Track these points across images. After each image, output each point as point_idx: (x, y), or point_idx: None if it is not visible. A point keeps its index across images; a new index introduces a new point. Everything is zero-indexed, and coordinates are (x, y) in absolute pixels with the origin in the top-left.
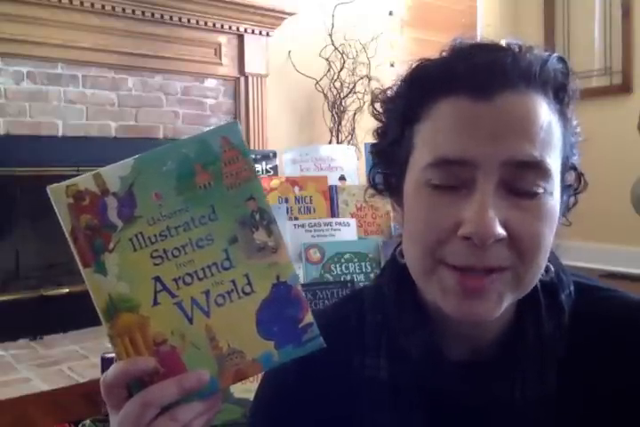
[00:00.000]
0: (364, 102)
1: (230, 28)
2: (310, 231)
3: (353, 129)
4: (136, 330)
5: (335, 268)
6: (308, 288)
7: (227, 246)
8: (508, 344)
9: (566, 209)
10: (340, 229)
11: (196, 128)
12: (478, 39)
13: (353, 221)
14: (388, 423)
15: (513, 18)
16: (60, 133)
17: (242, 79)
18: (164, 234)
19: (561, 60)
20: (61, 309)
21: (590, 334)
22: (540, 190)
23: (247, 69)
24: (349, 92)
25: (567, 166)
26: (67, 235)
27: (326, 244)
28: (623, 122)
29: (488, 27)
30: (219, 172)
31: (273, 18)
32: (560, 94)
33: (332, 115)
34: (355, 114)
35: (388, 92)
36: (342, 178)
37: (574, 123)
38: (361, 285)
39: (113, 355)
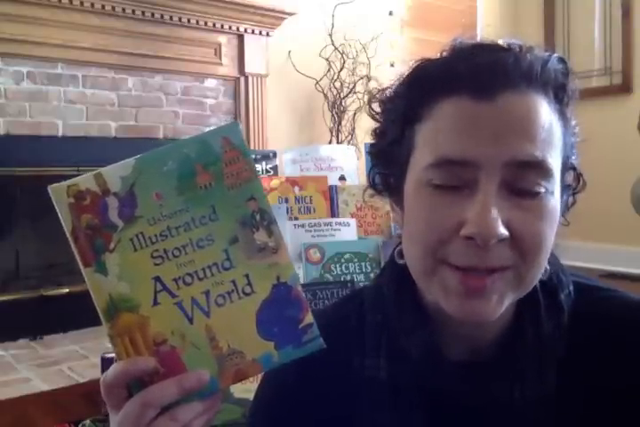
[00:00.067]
0: (364, 102)
1: (230, 28)
2: (310, 231)
3: (353, 129)
4: (136, 330)
5: (335, 268)
6: (307, 288)
7: (227, 247)
8: (507, 344)
9: (565, 209)
10: (340, 229)
11: (196, 128)
12: (478, 39)
13: (353, 221)
14: (388, 423)
15: (513, 18)
16: (60, 133)
17: (242, 79)
18: (165, 234)
19: (561, 60)
20: (61, 309)
21: (590, 334)
22: (542, 190)
23: (247, 69)
24: (349, 92)
25: (567, 166)
26: (67, 234)
27: (326, 244)
28: (623, 122)
29: (488, 27)
30: (219, 172)
31: (273, 18)
32: (560, 94)
33: (332, 115)
34: (355, 114)
35: (387, 92)
36: (342, 178)
37: (573, 123)
38: (361, 285)
39: (113, 355)
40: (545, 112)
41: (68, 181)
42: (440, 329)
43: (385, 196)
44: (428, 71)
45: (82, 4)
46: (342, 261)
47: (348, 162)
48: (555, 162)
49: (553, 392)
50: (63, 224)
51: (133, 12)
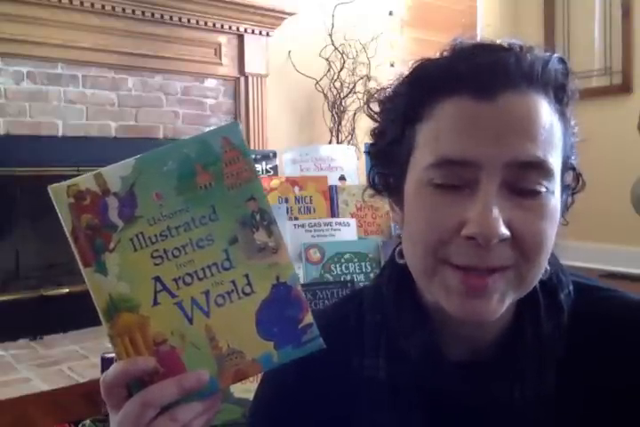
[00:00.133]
0: (364, 102)
1: (230, 28)
2: (310, 231)
3: (353, 129)
4: (136, 330)
5: (335, 268)
6: (307, 288)
7: (227, 247)
8: (507, 344)
9: (565, 209)
10: (340, 229)
11: (196, 128)
12: (479, 39)
13: (353, 221)
14: (388, 424)
15: (513, 18)
16: (60, 133)
17: (242, 79)
18: (165, 234)
19: (561, 60)
20: (61, 309)
21: (590, 334)
22: (543, 189)
23: (247, 69)
24: (349, 92)
25: (567, 166)
26: (67, 234)
27: (326, 244)
28: (623, 122)
29: (488, 27)
30: (219, 172)
31: (273, 18)
32: (560, 95)
33: (332, 115)
34: (355, 114)
35: (386, 92)
36: (342, 178)
37: (573, 123)
38: (361, 285)
39: (113, 355)
40: (545, 112)
41: (68, 181)
42: (440, 329)
43: (384, 196)
44: (428, 71)
45: (82, 4)
46: (342, 261)
47: (348, 162)
48: (555, 162)
49: (553, 392)
50: (63, 224)
51: (133, 12)
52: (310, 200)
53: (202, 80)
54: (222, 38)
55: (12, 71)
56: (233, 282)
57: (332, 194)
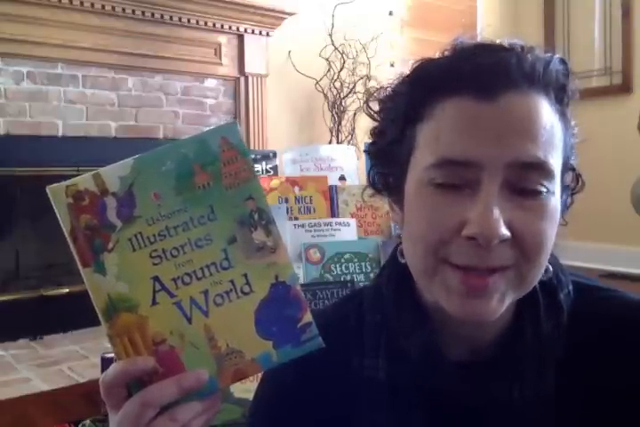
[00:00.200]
0: (364, 102)
1: (230, 28)
2: (310, 231)
3: (353, 129)
4: (135, 330)
5: (335, 268)
6: (307, 288)
7: (225, 246)
8: (506, 344)
9: (564, 209)
10: (340, 229)
11: (196, 128)
12: (480, 39)
13: (353, 221)
14: (387, 423)
15: (513, 18)
16: (60, 133)
17: (242, 79)
18: (163, 234)
19: (562, 61)
20: (61, 309)
21: (590, 334)
22: (543, 190)
23: (247, 69)
24: (349, 92)
25: (567, 167)
26: (66, 235)
27: (326, 244)
28: (623, 122)
29: (488, 27)
30: (218, 172)
31: (273, 18)
32: (561, 95)
33: (332, 115)
34: (355, 114)
35: (386, 91)
36: (342, 178)
37: (573, 123)
38: (361, 285)
39: (113, 355)
40: (547, 113)
41: (67, 182)
42: (439, 329)
43: (384, 195)
44: (429, 71)
45: (82, 4)
46: (342, 261)
47: (348, 162)
48: (556, 163)
49: (552, 392)
50: (62, 225)
51: (133, 12)
52: (310, 200)
53: (202, 80)
54: (222, 38)
55: (12, 71)
56: (232, 281)
57: (332, 194)
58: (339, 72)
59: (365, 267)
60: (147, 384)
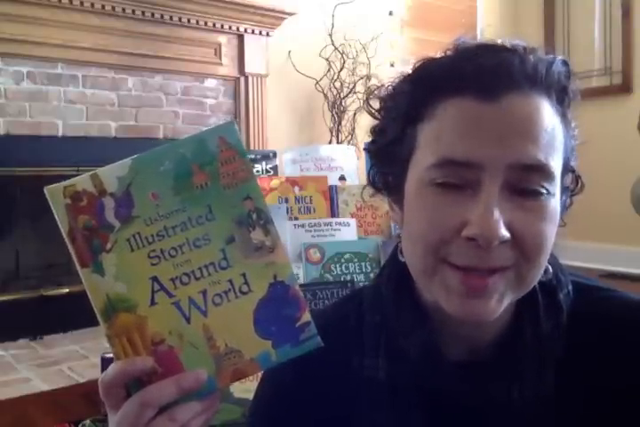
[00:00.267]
0: (364, 102)
1: (230, 28)
2: (310, 231)
3: (353, 129)
4: (134, 330)
5: (335, 268)
6: (307, 288)
7: (224, 246)
8: (506, 344)
9: (563, 210)
10: (340, 229)
11: (196, 128)
12: (481, 39)
13: (353, 221)
14: (387, 423)
15: (513, 18)
16: (60, 133)
17: (242, 79)
18: (162, 234)
19: (565, 63)
20: (61, 309)
21: (590, 334)
22: (544, 191)
23: (247, 69)
24: (349, 92)
25: (567, 168)
26: (64, 235)
27: (326, 244)
28: (623, 122)
29: (488, 27)
30: (215, 172)
31: (273, 18)
32: (562, 97)
33: (332, 115)
34: (355, 114)
35: (388, 89)
36: (342, 178)
37: (573, 125)
38: (361, 285)
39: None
40: (548, 114)
41: (65, 182)
42: (439, 329)
43: (384, 194)
44: (431, 70)
45: (82, 4)
46: (342, 261)
47: (348, 162)
48: (556, 164)
49: (552, 392)
50: (60, 225)
51: (133, 12)
52: (310, 200)
53: (202, 80)
54: (222, 38)
55: (12, 71)
56: (230, 281)
57: (332, 194)
58: (339, 72)
59: (365, 267)
60: (146, 384)
